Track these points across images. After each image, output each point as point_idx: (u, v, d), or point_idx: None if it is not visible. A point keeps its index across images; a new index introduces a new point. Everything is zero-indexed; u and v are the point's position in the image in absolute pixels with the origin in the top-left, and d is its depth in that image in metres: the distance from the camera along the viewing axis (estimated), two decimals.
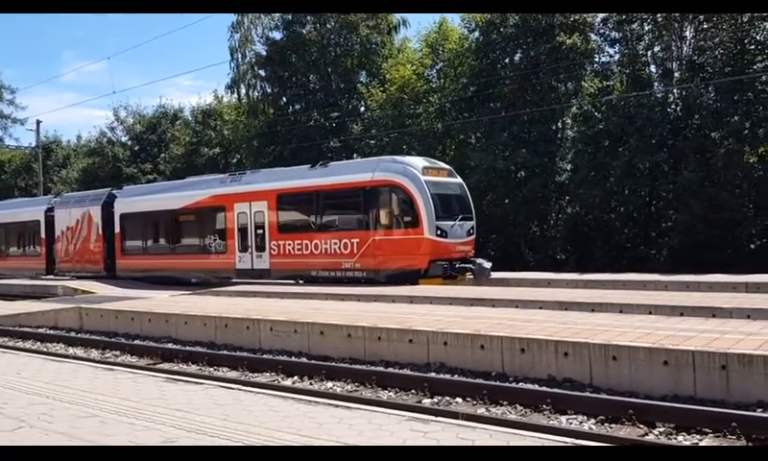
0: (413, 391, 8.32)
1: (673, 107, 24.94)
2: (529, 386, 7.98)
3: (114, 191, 28.12)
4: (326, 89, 36.52)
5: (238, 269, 22.34)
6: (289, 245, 20.78)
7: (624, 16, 25.63)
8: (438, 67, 32.05)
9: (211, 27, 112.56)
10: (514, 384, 8.16)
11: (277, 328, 11.52)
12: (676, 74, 25.20)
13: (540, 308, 12.19)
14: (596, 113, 25.87)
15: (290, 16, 36.37)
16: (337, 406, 6.27)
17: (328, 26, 36.01)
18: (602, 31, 27.42)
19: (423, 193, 18.30)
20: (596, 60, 27.95)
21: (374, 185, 18.99)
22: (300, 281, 20.38)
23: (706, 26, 24.28)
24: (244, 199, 22.10)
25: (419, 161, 19.65)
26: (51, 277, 29.12)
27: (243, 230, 22.13)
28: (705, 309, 10.82)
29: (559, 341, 8.31)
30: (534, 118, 26.92)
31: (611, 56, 27.89)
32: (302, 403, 6.41)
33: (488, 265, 18.88)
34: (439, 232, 18.36)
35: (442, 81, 31.55)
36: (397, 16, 36.76)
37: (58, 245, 29.12)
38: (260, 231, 21.60)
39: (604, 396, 7.41)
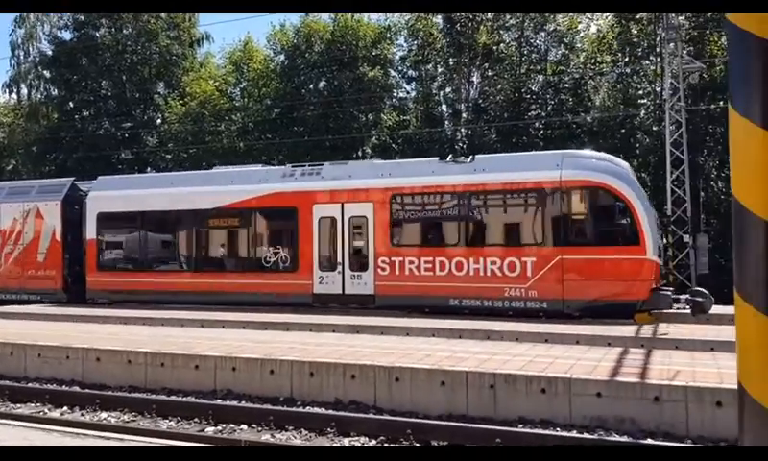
0: (196, 419, 7.98)
1: (461, 144, 27.07)
2: (315, 410, 8.03)
3: (79, 183, 20.77)
4: (120, 97, 34.35)
5: (317, 293, 16.30)
6: (410, 263, 15.36)
7: (420, 57, 27.45)
8: (242, 86, 31.70)
9: None
10: (300, 409, 8.15)
11: (47, 354, 10.44)
12: (464, 115, 27.47)
13: (334, 332, 12.42)
14: (393, 145, 27.24)
15: (82, 17, 33.86)
16: (108, 439, 5.83)
17: (125, 32, 34.07)
18: (400, 68, 29.17)
19: (642, 200, 13.99)
20: (395, 95, 29.61)
21: (565, 187, 14.25)
22: (426, 310, 15.02)
23: (490, 73, 26.82)
24: (331, 199, 16.37)
25: (616, 159, 15.23)
26: None
27: (328, 241, 16.49)
28: (481, 332, 11.73)
29: (346, 364, 8.48)
30: (336, 145, 27.63)
31: (407, 92, 29.83)
32: (69, 436, 5.92)
33: (712, 298, 13.90)
34: (658, 253, 14.16)
35: (245, 100, 31.24)
36: (201, 30, 35.93)
37: None
38: (359, 244, 16.11)
39: (386, 416, 7.67)
